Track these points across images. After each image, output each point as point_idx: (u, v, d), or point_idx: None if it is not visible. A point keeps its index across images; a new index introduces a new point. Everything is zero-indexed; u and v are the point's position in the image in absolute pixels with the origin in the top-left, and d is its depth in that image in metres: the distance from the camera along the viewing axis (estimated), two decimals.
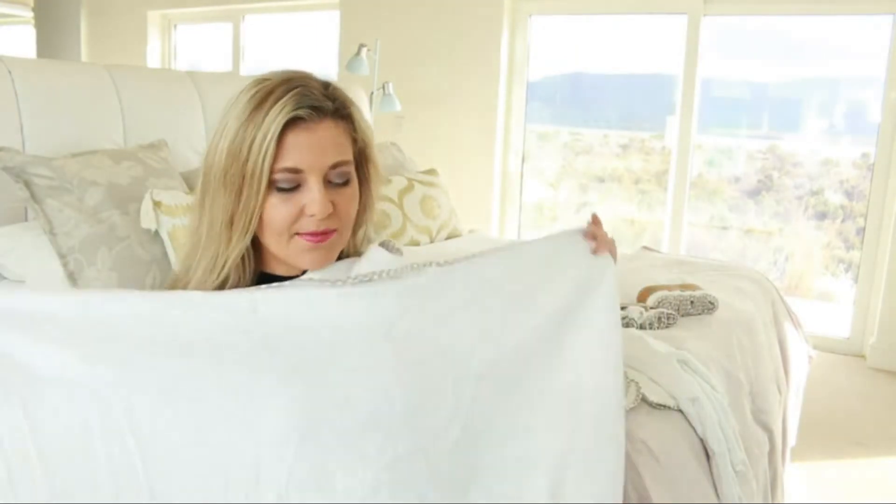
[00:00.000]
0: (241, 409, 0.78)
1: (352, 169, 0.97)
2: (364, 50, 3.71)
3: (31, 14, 5.95)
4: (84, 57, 5.58)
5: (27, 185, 1.80)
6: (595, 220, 1.10)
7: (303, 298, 0.88)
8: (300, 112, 0.90)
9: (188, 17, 5.44)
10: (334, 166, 0.94)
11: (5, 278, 1.89)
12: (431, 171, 3.07)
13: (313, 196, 0.92)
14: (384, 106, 3.77)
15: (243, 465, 0.76)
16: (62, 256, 1.76)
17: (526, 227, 4.45)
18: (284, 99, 0.90)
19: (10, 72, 1.93)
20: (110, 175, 1.90)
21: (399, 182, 2.84)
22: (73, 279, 1.75)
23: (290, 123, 0.91)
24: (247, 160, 0.90)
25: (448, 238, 2.94)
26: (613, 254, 1.09)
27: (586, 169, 4.43)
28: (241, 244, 0.94)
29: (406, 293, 0.92)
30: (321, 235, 0.94)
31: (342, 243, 0.99)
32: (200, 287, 0.96)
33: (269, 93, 0.91)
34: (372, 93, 3.75)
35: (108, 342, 0.79)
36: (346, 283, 0.89)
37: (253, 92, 0.92)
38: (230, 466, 0.76)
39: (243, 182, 0.91)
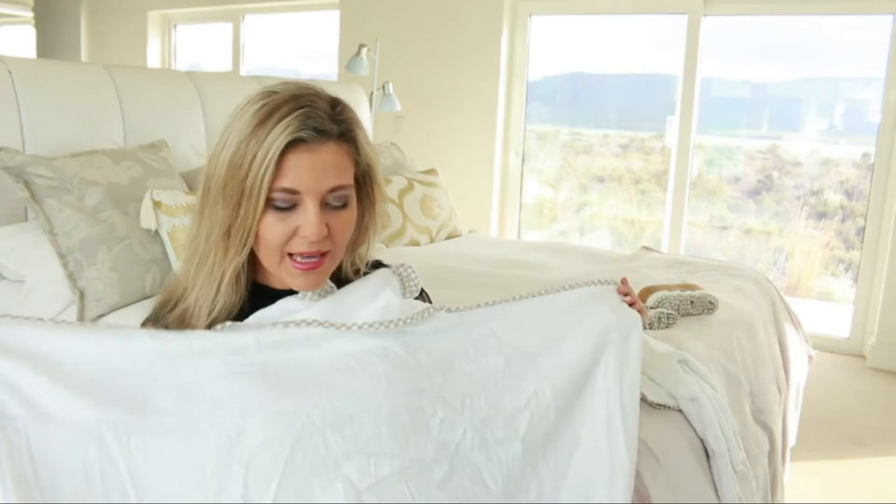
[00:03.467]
0: (234, 437, 0.80)
1: (351, 192, 0.96)
2: (364, 50, 3.70)
3: (31, 14, 5.94)
4: (84, 57, 5.58)
5: (27, 185, 1.80)
6: (624, 282, 1.10)
7: (307, 336, 0.90)
8: (303, 134, 0.90)
9: (188, 17, 5.44)
10: (333, 190, 0.93)
11: (5, 278, 1.89)
12: (431, 171, 3.07)
13: (308, 218, 0.91)
14: (384, 106, 3.77)
15: (234, 488, 0.78)
16: (62, 256, 1.76)
17: (526, 227, 4.45)
18: (289, 118, 0.90)
19: (10, 72, 1.93)
20: (110, 175, 1.90)
21: (399, 182, 2.84)
22: (73, 279, 1.75)
23: (292, 143, 0.90)
24: (246, 176, 0.90)
25: (448, 238, 2.94)
26: (644, 315, 1.08)
27: (586, 169, 4.43)
28: (238, 258, 0.94)
29: (408, 333, 0.93)
30: (312, 262, 0.94)
31: (334, 265, 0.99)
32: (200, 295, 0.97)
33: (275, 109, 0.91)
34: (372, 93, 3.75)
35: (117, 381, 0.80)
36: (352, 330, 0.91)
37: (259, 105, 0.92)
38: (220, 492, 0.78)
39: (242, 196, 0.91)
